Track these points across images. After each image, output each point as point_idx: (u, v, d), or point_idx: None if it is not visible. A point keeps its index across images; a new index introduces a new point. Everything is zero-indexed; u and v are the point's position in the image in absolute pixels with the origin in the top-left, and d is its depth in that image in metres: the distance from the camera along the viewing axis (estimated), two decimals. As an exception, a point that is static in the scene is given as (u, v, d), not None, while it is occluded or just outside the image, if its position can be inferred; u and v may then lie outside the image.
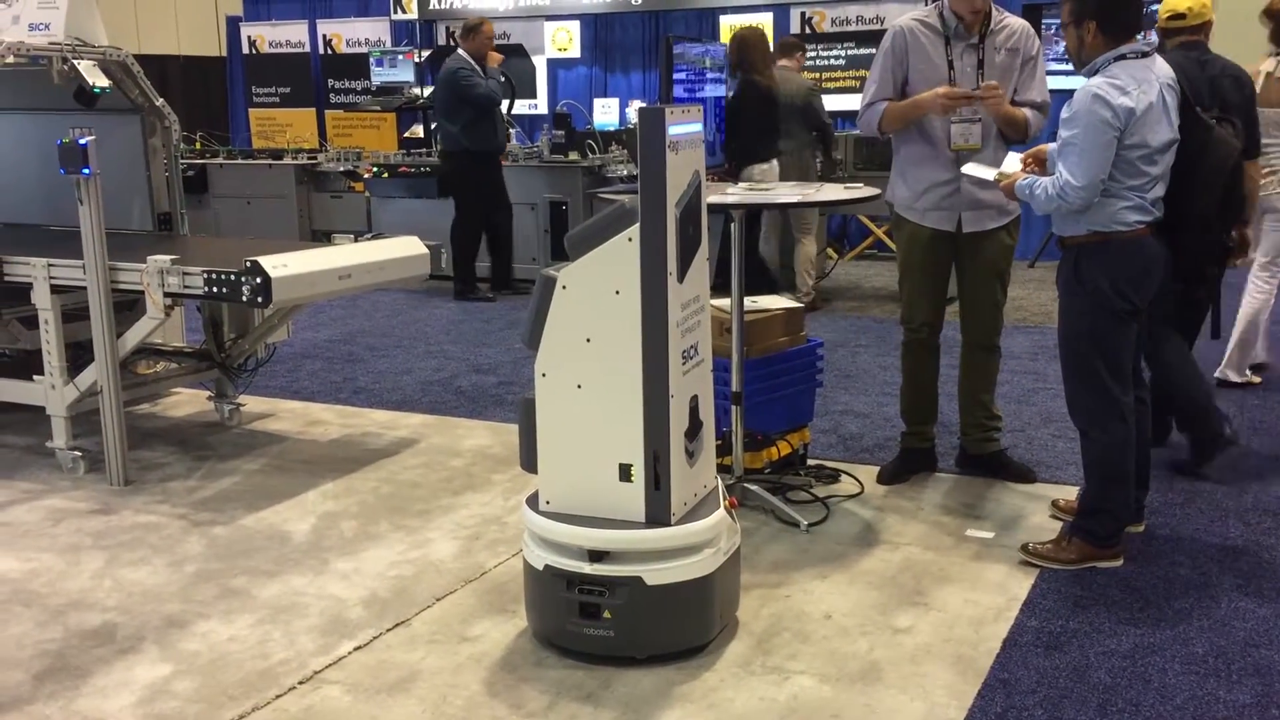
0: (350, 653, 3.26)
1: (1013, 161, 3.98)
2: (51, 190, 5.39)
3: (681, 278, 3.08)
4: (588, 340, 3.09)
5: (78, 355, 4.80)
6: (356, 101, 13.15)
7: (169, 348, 5.66)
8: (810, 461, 4.78)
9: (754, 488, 4.34)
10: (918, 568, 3.79)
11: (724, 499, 3.33)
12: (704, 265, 3.25)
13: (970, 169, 4.12)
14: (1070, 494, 4.33)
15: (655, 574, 3.07)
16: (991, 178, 3.98)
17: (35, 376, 4.79)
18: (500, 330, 7.75)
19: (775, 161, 7.64)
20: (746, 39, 7.72)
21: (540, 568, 3.18)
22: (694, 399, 3.20)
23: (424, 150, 10.39)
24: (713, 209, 4.95)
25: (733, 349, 4.29)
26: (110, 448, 4.65)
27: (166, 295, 4.44)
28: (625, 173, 9.11)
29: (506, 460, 4.91)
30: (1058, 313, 3.84)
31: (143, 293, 4.51)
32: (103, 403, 4.63)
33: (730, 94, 7.68)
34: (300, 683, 3.10)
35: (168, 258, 4.43)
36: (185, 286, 4.41)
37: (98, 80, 4.96)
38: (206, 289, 4.34)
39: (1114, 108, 3.48)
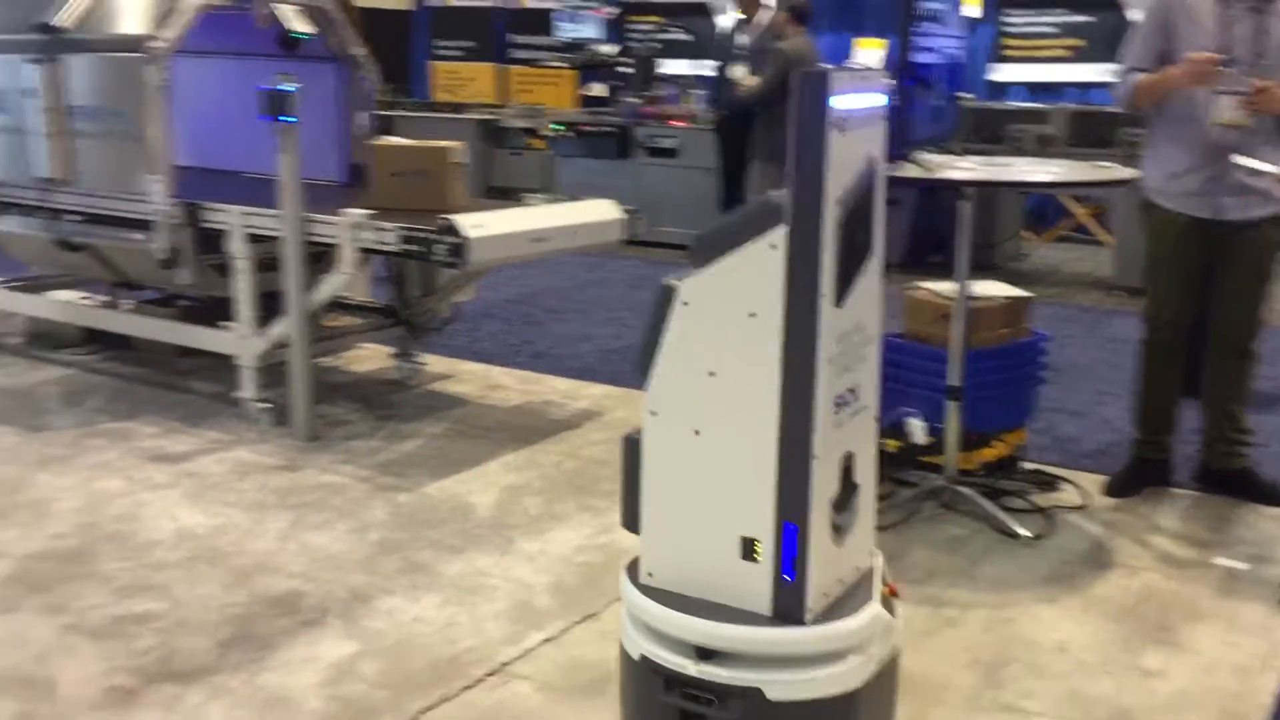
0: (539, 645, 3.07)
1: None
2: (248, 136, 5.33)
3: (840, 300, 2.23)
4: (711, 374, 2.29)
5: (263, 305, 4.73)
6: (537, 57, 13.00)
7: (354, 301, 5.59)
8: (1026, 465, 4.38)
9: (967, 491, 3.98)
10: (1160, 598, 3.39)
11: (881, 584, 2.46)
12: (874, 285, 2.37)
13: (1244, 160, 3.64)
14: (1332, 524, 3.85)
15: (780, 686, 2.24)
16: (1274, 170, 3.51)
17: (225, 324, 4.75)
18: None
19: None
20: None
21: (636, 657, 2.39)
22: (848, 457, 2.36)
23: (605, 109, 10.17)
24: (941, 185, 4.59)
25: (951, 339, 3.94)
26: (297, 402, 4.58)
27: (360, 250, 4.32)
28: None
29: (694, 441, 4.65)
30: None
31: (334, 245, 4.40)
32: (292, 356, 4.55)
33: None
34: (489, 675, 2.92)
35: (364, 212, 4.29)
36: (380, 243, 4.28)
37: (300, 26, 4.87)
38: (401, 247, 4.20)
39: None
